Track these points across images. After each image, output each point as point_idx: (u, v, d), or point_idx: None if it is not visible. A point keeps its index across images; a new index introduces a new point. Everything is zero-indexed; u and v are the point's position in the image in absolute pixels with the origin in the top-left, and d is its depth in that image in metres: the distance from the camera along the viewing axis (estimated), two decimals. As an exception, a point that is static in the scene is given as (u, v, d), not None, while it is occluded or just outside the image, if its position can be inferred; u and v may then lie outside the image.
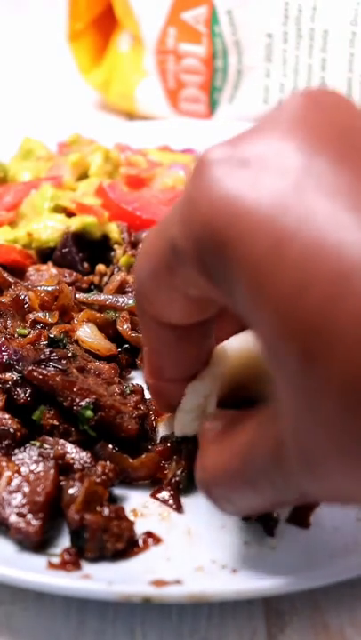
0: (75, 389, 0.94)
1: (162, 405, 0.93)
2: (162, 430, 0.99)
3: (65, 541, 0.87)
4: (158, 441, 0.98)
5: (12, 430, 0.93)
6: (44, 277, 1.21)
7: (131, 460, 0.93)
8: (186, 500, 0.93)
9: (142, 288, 0.77)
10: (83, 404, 0.94)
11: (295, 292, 0.61)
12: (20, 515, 0.86)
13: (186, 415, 0.90)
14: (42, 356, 0.97)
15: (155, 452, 0.95)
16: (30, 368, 0.96)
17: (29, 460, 0.91)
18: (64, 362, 0.97)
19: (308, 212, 0.62)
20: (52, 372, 0.95)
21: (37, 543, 0.86)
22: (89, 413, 0.94)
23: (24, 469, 0.90)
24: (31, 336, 1.03)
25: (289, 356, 0.63)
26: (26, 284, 1.16)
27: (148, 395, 1.04)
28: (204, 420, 0.84)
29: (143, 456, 0.94)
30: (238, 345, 0.87)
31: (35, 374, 0.95)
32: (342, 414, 0.61)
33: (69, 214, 1.31)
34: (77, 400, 0.94)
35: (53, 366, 0.96)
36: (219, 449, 0.77)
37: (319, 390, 0.62)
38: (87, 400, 0.94)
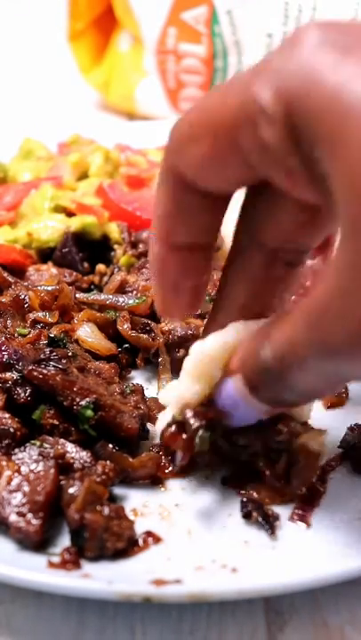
0: (75, 389, 0.94)
1: (164, 292, 0.89)
2: (159, 425, 0.95)
3: (65, 541, 0.87)
4: (159, 434, 0.95)
5: (12, 430, 0.93)
6: (44, 277, 1.21)
7: (131, 460, 0.93)
8: (186, 500, 0.93)
9: (186, 145, 0.78)
10: (83, 403, 0.94)
11: None
12: (20, 514, 0.86)
13: (202, 368, 0.88)
14: (42, 356, 0.97)
15: (156, 452, 0.96)
16: (30, 367, 0.96)
17: (29, 459, 0.91)
18: (64, 361, 0.97)
19: None
20: (52, 372, 0.95)
21: (37, 542, 0.86)
22: (89, 413, 0.94)
23: (24, 469, 0.90)
24: (31, 336, 1.03)
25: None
26: (26, 283, 1.16)
27: (147, 394, 1.05)
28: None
29: (143, 455, 0.95)
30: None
31: (35, 374, 0.95)
32: None
33: (69, 214, 1.31)
34: (77, 399, 0.94)
35: (53, 366, 0.96)
36: (283, 325, 0.77)
37: None
38: (87, 399, 0.94)
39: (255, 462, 0.93)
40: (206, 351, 0.87)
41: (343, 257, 0.69)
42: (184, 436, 0.89)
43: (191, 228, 0.85)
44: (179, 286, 0.88)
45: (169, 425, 0.91)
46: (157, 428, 0.96)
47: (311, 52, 0.70)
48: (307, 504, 0.91)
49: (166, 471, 0.95)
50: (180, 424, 0.90)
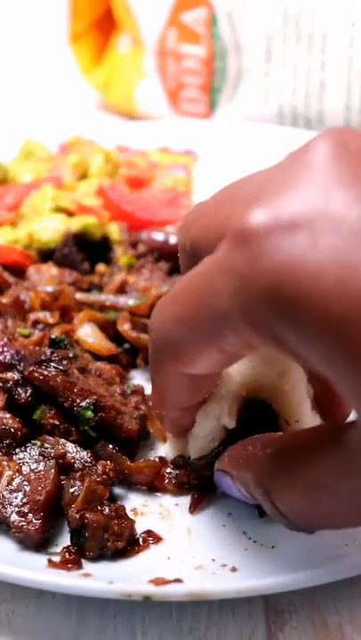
0: (75, 390, 0.95)
1: (173, 432, 0.93)
2: (168, 451, 0.96)
3: (65, 540, 0.87)
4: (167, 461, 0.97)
5: (12, 430, 0.93)
6: (45, 278, 1.21)
7: (129, 463, 0.93)
8: (186, 499, 0.93)
9: (171, 344, 0.76)
10: (83, 404, 0.94)
11: None
12: (21, 514, 0.87)
13: (201, 440, 0.91)
14: (43, 357, 0.97)
15: (157, 460, 0.95)
16: (31, 368, 0.96)
17: (30, 459, 0.91)
18: (65, 362, 0.97)
19: None
20: (53, 373, 0.95)
21: (38, 542, 0.86)
22: (89, 414, 0.94)
23: (25, 469, 0.90)
24: (34, 338, 1.03)
25: None
26: (26, 284, 1.16)
27: (148, 392, 1.05)
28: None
29: (141, 461, 0.94)
30: (239, 365, 0.89)
31: (35, 375, 0.96)
32: None
33: (70, 215, 1.32)
34: (78, 400, 0.94)
35: (54, 367, 0.96)
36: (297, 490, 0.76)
37: None
38: (87, 400, 0.94)
39: None
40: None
41: None
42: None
43: (191, 396, 0.85)
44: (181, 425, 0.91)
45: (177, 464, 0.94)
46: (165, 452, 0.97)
47: (264, 247, 0.64)
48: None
49: (165, 482, 0.94)
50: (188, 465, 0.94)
